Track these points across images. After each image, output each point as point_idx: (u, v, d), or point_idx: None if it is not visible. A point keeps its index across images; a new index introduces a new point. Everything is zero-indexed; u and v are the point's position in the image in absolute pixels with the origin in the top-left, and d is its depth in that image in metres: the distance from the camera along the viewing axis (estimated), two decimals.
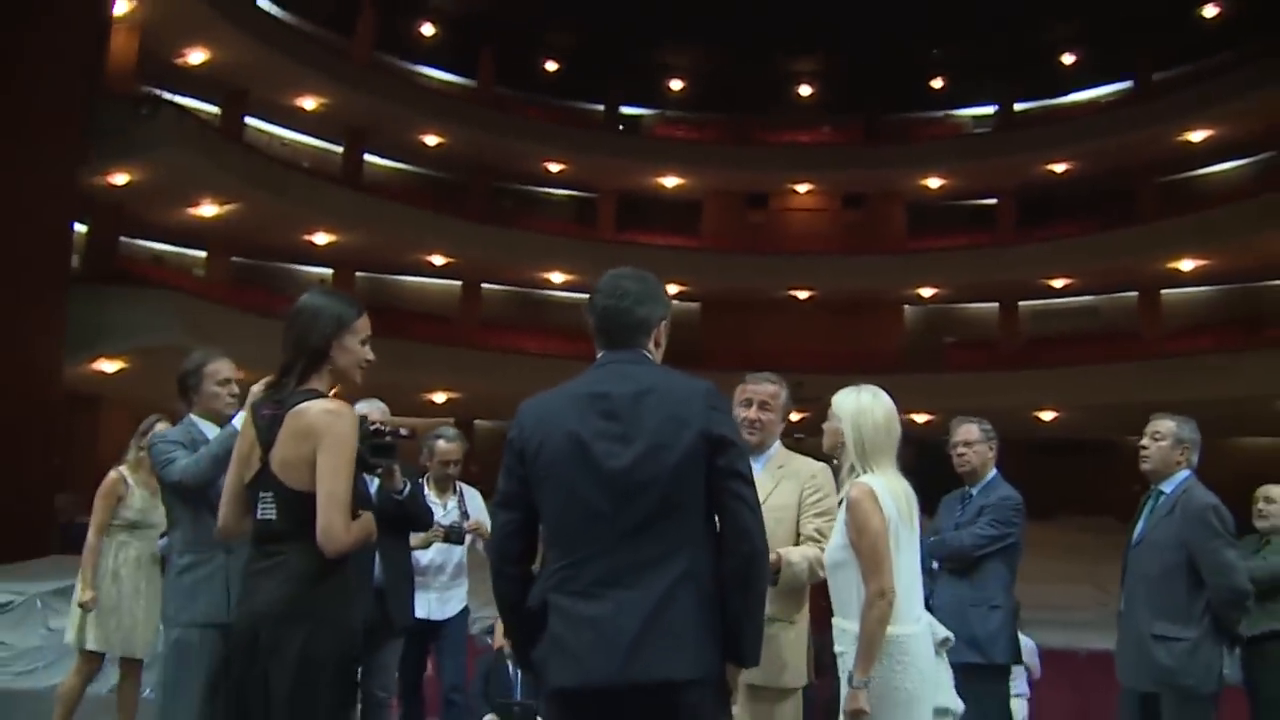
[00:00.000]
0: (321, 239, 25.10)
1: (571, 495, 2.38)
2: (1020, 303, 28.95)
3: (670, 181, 30.26)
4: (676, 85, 31.91)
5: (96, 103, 17.68)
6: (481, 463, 10.82)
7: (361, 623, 2.94)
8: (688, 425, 2.38)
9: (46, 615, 9.47)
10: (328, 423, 2.60)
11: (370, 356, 2.81)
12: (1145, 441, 4.31)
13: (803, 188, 30.72)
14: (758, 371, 3.71)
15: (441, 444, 5.39)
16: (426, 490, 5.28)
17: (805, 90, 31.95)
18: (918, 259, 28.43)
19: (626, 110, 31.96)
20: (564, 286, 29.47)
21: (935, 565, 4.36)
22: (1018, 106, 29.94)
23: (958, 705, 3.33)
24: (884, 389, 3.38)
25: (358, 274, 27.68)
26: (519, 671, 7.25)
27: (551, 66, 31.01)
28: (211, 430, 4.00)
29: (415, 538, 4.93)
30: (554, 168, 29.44)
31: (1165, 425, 4.27)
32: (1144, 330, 27.00)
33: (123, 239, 21.95)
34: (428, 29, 29.06)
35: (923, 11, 25.85)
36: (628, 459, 2.36)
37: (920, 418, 21.35)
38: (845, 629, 3.18)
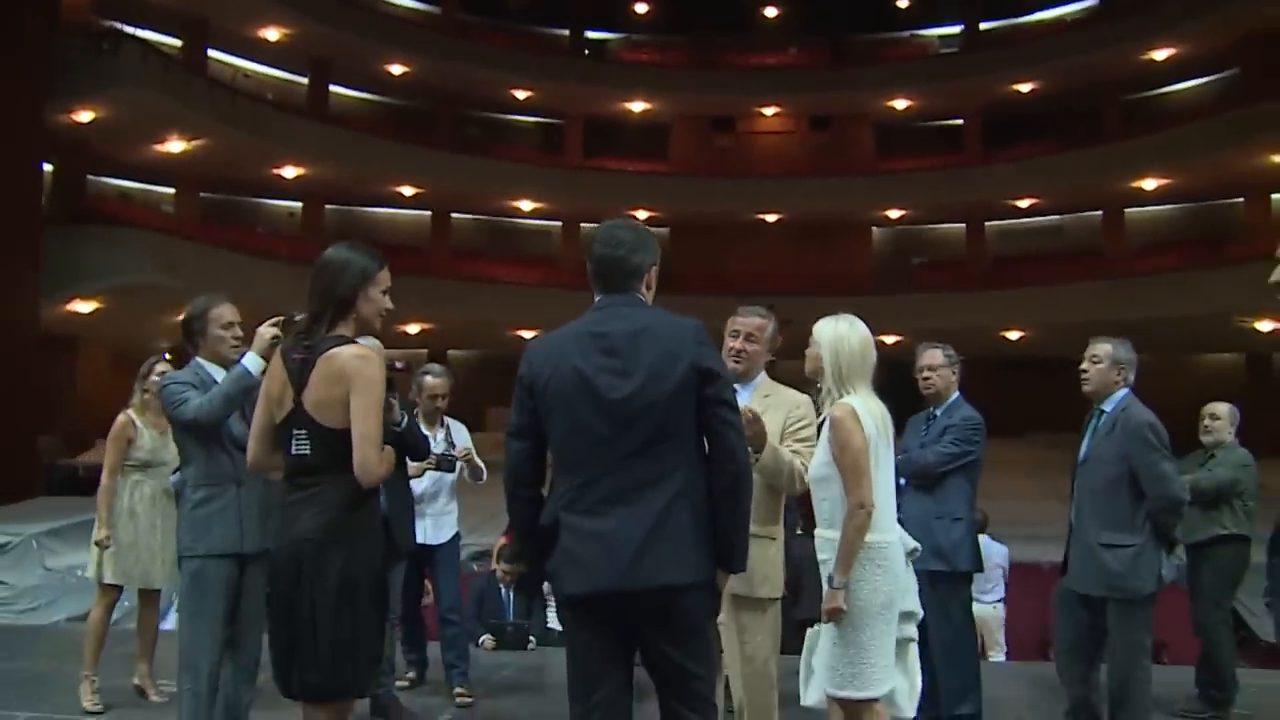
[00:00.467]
0: (290, 172, 24.96)
1: (577, 424, 2.66)
2: (987, 223, 29.22)
3: (637, 106, 30.15)
4: (641, 9, 31.60)
5: (56, 39, 17.43)
6: (456, 394, 11.01)
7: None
8: (679, 359, 2.65)
9: (43, 555, 9.71)
10: (358, 367, 2.83)
11: (390, 305, 3.05)
12: (1085, 365, 4.55)
13: (770, 110, 30.70)
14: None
15: (429, 379, 5.63)
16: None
17: (771, 12, 31.73)
18: (885, 180, 28.57)
19: (591, 35, 31.65)
20: (533, 214, 29.47)
21: (902, 481, 4.62)
22: (983, 26, 29.90)
23: (919, 610, 3.64)
24: (854, 311, 3.63)
25: (327, 207, 27.58)
26: (510, 594, 7.62)
27: None
28: (217, 372, 4.18)
29: (410, 466, 5.16)
30: (520, 95, 29.22)
31: (1102, 348, 4.51)
32: (1108, 249, 27.35)
33: (90, 178, 21.76)
34: None
35: None
36: (627, 390, 2.63)
37: (889, 339, 21.69)
38: (828, 538, 3.45)
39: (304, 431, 2.87)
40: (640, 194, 28.46)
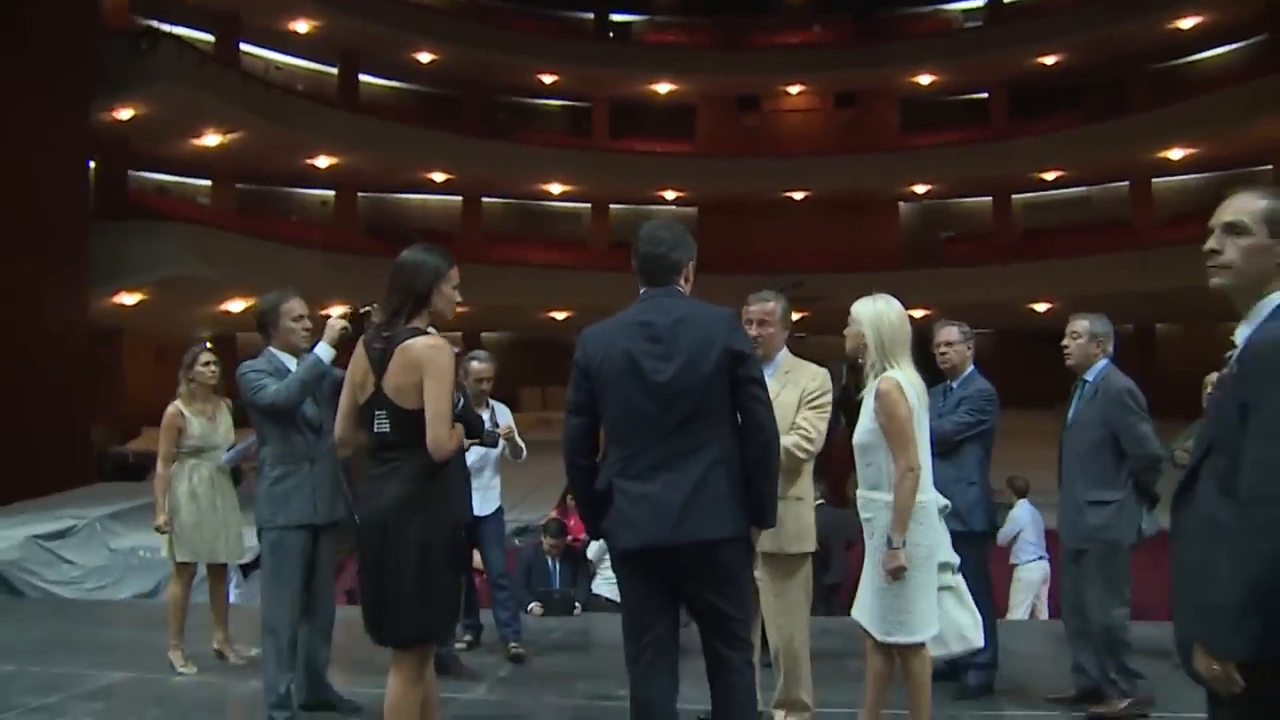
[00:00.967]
0: (322, 162, 25.45)
1: (626, 402, 3.07)
2: (1014, 196, 29.28)
3: (663, 88, 30.40)
4: None
5: (101, 41, 17.92)
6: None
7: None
8: (714, 344, 3.04)
9: (107, 537, 10.19)
10: (430, 356, 3.23)
11: (459, 299, 3.44)
12: (1066, 341, 4.92)
13: (795, 89, 30.86)
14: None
15: (475, 364, 6.04)
16: None
17: None
18: (911, 156, 28.70)
19: (616, 18, 31.90)
20: (562, 197, 29.78)
21: None
22: None
23: (955, 559, 3.98)
24: (883, 286, 3.97)
25: (360, 195, 28.06)
26: (556, 564, 8.04)
27: None
28: (289, 360, 4.60)
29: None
30: (547, 79, 29.56)
31: (1081, 324, 4.88)
32: (1136, 220, 27.38)
33: (130, 173, 22.31)
34: None
35: None
36: (669, 373, 3.03)
37: (919, 313, 21.79)
38: (873, 499, 3.79)
39: (384, 412, 3.26)
40: (668, 174, 28.75)
